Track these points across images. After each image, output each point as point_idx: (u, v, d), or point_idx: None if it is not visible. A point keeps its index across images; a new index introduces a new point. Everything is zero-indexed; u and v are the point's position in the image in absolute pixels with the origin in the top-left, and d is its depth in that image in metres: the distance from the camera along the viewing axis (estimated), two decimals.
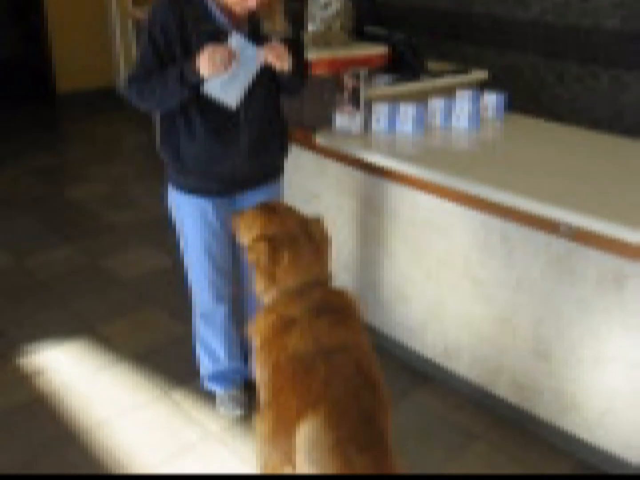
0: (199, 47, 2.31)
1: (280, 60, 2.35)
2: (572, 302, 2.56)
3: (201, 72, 2.28)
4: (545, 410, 2.78)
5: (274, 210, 2.33)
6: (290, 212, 2.35)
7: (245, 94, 2.41)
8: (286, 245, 2.20)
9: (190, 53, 2.35)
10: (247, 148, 2.54)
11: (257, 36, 2.42)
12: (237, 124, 2.49)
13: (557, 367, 2.68)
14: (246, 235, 2.31)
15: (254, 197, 2.67)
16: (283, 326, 2.11)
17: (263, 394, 2.18)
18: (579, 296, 2.53)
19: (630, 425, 2.52)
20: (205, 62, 2.26)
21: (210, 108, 2.43)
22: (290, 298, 2.17)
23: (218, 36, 2.36)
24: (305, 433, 1.90)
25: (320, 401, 1.92)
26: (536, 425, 2.83)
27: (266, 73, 2.43)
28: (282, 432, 2.01)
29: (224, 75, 2.32)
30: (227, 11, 2.39)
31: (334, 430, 1.87)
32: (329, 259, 2.35)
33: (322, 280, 2.25)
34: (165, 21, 2.36)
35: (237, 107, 2.42)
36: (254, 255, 2.22)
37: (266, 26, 2.44)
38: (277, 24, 2.45)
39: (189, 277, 2.81)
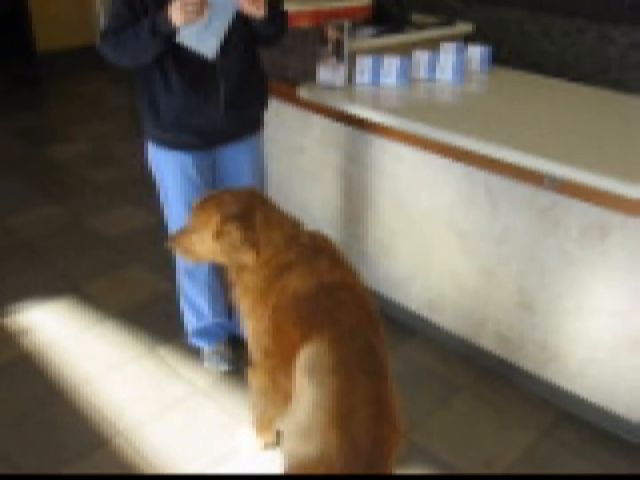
0: None
1: (254, 5, 2.29)
2: (556, 253, 2.57)
3: (173, 21, 2.23)
4: (528, 361, 2.81)
5: (216, 195, 2.27)
6: (231, 191, 2.30)
7: (221, 43, 2.36)
8: (250, 211, 2.18)
9: (162, 5, 2.30)
10: (225, 100, 2.49)
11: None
12: (214, 76, 2.45)
13: (540, 319, 2.70)
14: (205, 231, 2.20)
15: (233, 151, 2.65)
16: (279, 272, 2.12)
17: (262, 342, 2.19)
18: (563, 248, 2.54)
19: (612, 376, 2.55)
20: (177, 11, 2.21)
21: (187, 60, 2.39)
22: (280, 248, 2.16)
23: None
24: (309, 353, 1.94)
25: (325, 327, 1.97)
26: (520, 376, 2.86)
27: (241, 22, 2.39)
28: (283, 369, 2.05)
29: (198, 24, 2.28)
30: None
31: (339, 350, 1.91)
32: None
33: (300, 228, 2.25)
34: None
35: (213, 57, 2.38)
36: (226, 237, 2.15)
37: None
38: None
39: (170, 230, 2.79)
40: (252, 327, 2.22)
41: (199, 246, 2.24)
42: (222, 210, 2.17)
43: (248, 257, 2.16)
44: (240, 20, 2.38)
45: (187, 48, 2.33)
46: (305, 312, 2.04)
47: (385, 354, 2.04)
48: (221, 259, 2.24)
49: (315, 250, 2.17)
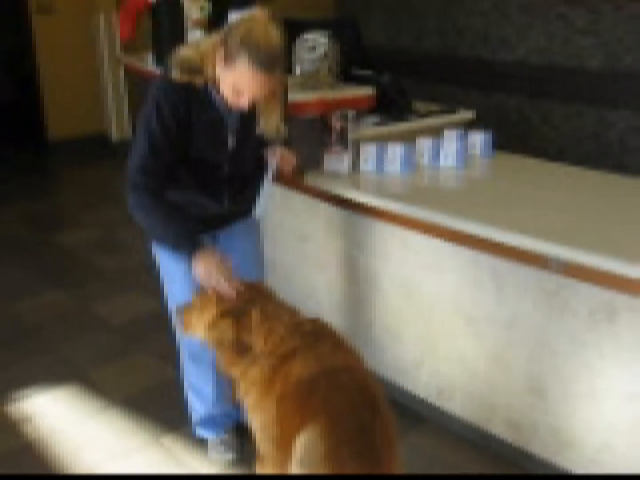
0: (200, 134, 2.38)
1: (287, 164, 2.59)
2: (564, 337, 2.55)
3: (196, 274, 2.32)
4: (541, 447, 2.74)
5: (220, 288, 2.30)
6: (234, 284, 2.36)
7: (234, 151, 2.51)
8: (247, 310, 2.21)
9: (189, 137, 2.37)
10: (230, 199, 2.60)
11: (249, 130, 2.47)
12: (222, 179, 2.54)
13: (552, 404, 2.66)
14: (202, 317, 2.26)
15: (234, 233, 2.73)
16: (282, 361, 2.11)
17: (270, 434, 2.15)
18: (572, 331, 2.52)
19: (629, 462, 2.49)
20: (202, 271, 2.29)
21: (198, 165, 2.47)
22: (283, 336, 2.16)
23: (219, 124, 2.41)
24: (303, 442, 1.90)
25: (320, 414, 1.94)
26: (532, 463, 2.79)
27: (255, 139, 2.49)
28: (288, 459, 2.00)
29: None
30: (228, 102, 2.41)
31: (330, 437, 1.88)
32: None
33: (300, 317, 2.26)
34: (175, 104, 2.32)
35: (228, 174, 2.52)
36: (218, 332, 2.21)
37: (262, 123, 2.47)
38: (272, 124, 2.47)
39: (174, 318, 2.78)
40: (259, 420, 2.19)
41: (197, 326, 2.29)
42: (219, 304, 2.23)
43: (230, 363, 2.23)
44: (254, 138, 2.48)
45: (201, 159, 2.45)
46: (304, 399, 2.02)
47: (386, 435, 1.98)
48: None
49: (316, 335, 2.17)
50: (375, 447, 1.91)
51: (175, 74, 2.31)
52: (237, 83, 2.25)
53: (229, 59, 2.22)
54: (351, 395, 2.01)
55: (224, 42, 2.23)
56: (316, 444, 1.88)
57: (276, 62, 2.24)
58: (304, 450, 1.90)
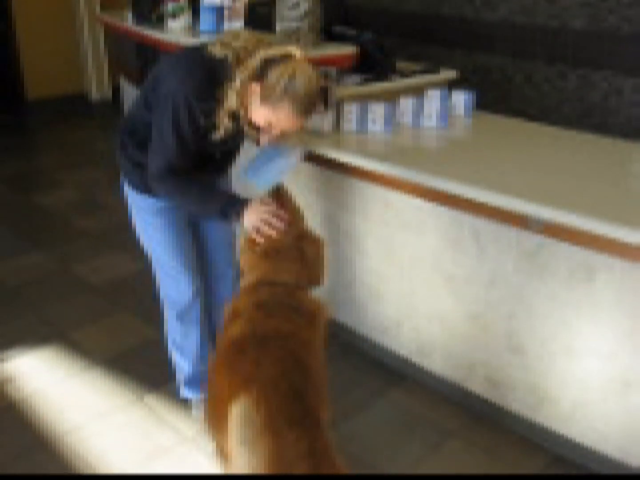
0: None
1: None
2: (543, 296, 2.58)
3: (245, 223, 2.33)
4: (519, 404, 2.79)
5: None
6: (294, 217, 2.42)
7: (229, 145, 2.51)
8: (270, 252, 2.27)
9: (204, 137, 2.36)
10: (212, 169, 2.62)
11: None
12: (211, 158, 2.53)
13: (530, 362, 2.70)
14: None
15: None
16: (230, 319, 2.17)
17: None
18: (550, 290, 2.55)
19: (603, 418, 2.54)
20: (254, 217, 2.30)
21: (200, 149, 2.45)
22: (243, 293, 2.24)
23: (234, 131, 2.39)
24: (237, 414, 1.90)
25: (250, 383, 1.93)
26: (511, 420, 2.84)
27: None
28: (216, 423, 2.02)
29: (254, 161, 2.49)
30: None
31: (264, 407, 1.87)
32: (316, 275, 2.37)
33: (280, 283, 2.26)
34: (205, 101, 2.28)
35: (219, 156, 2.52)
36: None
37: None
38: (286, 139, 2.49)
39: (158, 278, 2.78)
40: None
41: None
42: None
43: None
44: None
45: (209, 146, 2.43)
46: (232, 364, 2.03)
47: (317, 400, 1.99)
48: None
49: (262, 302, 2.19)
50: (310, 410, 1.91)
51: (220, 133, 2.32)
52: (272, 121, 2.27)
53: (269, 99, 2.21)
54: (280, 360, 2.01)
55: (261, 79, 2.21)
56: (251, 418, 1.86)
57: (315, 106, 2.28)
58: (241, 427, 1.88)
